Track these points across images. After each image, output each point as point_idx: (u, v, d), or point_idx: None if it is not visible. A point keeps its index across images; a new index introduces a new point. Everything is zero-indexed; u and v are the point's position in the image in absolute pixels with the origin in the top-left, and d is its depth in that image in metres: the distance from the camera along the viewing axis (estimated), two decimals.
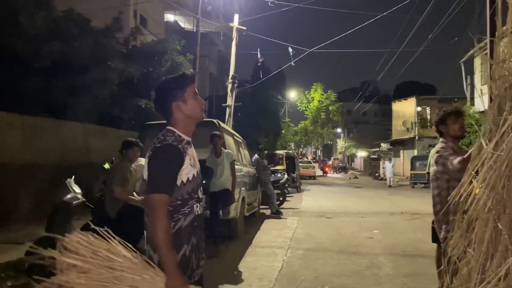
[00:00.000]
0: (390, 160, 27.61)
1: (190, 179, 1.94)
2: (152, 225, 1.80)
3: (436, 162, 3.34)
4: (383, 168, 26.02)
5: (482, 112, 18.12)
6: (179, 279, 1.77)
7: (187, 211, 1.92)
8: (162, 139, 1.91)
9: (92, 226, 2.20)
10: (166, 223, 1.79)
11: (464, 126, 3.52)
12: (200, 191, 2.04)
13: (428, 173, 4.64)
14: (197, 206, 1.98)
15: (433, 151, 3.56)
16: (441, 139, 3.53)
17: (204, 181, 5.74)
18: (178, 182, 1.89)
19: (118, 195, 4.82)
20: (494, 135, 2.17)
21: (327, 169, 45.13)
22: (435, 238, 4.18)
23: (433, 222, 4.27)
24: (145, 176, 1.91)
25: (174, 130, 1.96)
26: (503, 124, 2.07)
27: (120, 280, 1.78)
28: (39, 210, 7.09)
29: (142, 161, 5.86)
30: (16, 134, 7.52)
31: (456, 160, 3.09)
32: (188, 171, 1.92)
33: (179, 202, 1.90)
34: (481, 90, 17.36)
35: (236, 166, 6.76)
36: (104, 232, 1.94)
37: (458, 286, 2.10)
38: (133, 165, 5.19)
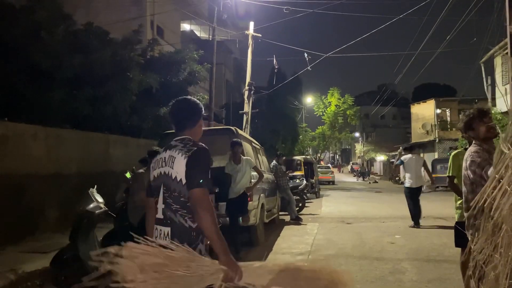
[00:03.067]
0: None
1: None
2: (202, 216, 2.05)
3: (470, 168, 3.14)
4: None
5: (505, 113, 17.74)
6: (231, 257, 2.05)
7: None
8: (193, 143, 2.24)
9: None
10: (214, 212, 2.08)
11: (493, 125, 3.25)
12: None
13: (449, 176, 4.53)
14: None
15: (466, 155, 3.34)
16: (474, 142, 3.28)
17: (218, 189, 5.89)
18: None
19: (143, 203, 4.92)
20: None
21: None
22: (458, 243, 4.12)
23: (455, 226, 4.21)
24: (181, 175, 2.15)
25: (193, 139, 2.30)
26: None
27: (189, 270, 2.00)
28: (64, 220, 7.25)
29: None
30: (40, 146, 7.71)
31: (490, 171, 2.93)
32: None
33: None
34: (505, 89, 17.02)
35: (253, 173, 6.81)
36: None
37: None
38: None
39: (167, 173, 2.22)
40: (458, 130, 3.99)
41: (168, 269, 1.98)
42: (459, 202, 4.25)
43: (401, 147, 9.93)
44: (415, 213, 9.28)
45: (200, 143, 2.25)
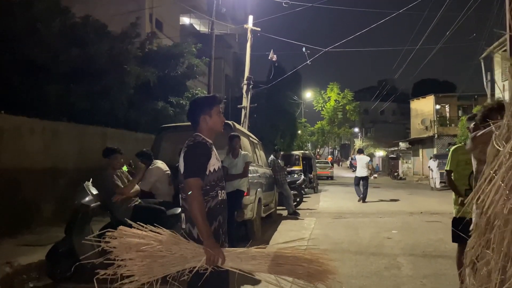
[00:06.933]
0: (435, 158, 21.60)
1: (216, 169, 2.49)
2: (190, 203, 2.33)
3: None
4: (428, 167, 22.38)
5: None
6: (214, 242, 2.31)
7: (214, 195, 2.46)
8: (193, 139, 2.48)
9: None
10: (201, 200, 2.35)
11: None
12: (224, 181, 2.58)
13: (446, 170, 4.51)
14: (221, 192, 2.52)
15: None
16: None
17: None
18: (207, 172, 2.42)
19: (127, 194, 4.96)
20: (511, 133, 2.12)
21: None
22: (455, 238, 4.11)
23: (452, 222, 4.21)
24: (181, 167, 2.43)
25: (200, 134, 2.51)
26: None
27: (171, 251, 2.30)
28: (61, 213, 7.23)
29: (159, 163, 5.92)
30: (37, 139, 7.68)
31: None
32: (214, 163, 2.47)
33: (208, 187, 2.43)
34: (503, 85, 16.97)
35: (251, 167, 6.76)
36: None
37: (477, 287, 2.07)
38: (122, 170, 5.35)
39: (178, 167, 2.50)
40: (473, 121, 3.84)
41: (151, 249, 2.27)
42: (456, 197, 4.25)
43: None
44: (364, 193, 13.83)
45: (200, 138, 2.47)
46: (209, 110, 2.54)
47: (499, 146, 2.12)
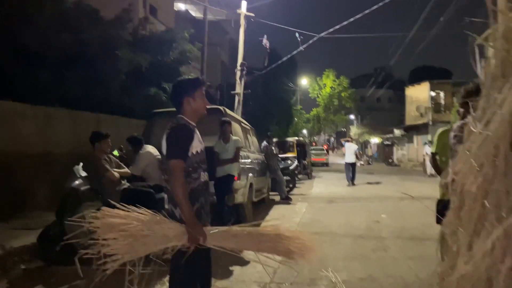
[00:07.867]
0: (430, 144, 20.82)
1: (199, 151, 2.52)
2: (173, 184, 2.38)
3: (452, 141, 3.21)
4: (423, 155, 22.41)
5: None
6: (196, 221, 2.36)
7: (196, 177, 2.50)
8: (176, 121, 2.52)
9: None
10: (183, 181, 2.38)
11: None
12: (205, 163, 2.61)
13: (432, 153, 4.60)
14: (203, 174, 2.56)
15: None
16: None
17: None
18: (189, 153, 2.45)
19: (113, 177, 5.02)
20: (484, 114, 2.18)
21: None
22: (439, 220, 4.19)
23: (436, 204, 4.28)
24: (164, 150, 2.48)
25: (183, 117, 2.54)
26: (492, 103, 2.08)
27: (153, 231, 2.35)
28: (54, 198, 7.27)
29: (149, 147, 5.96)
30: (29, 124, 7.68)
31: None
32: (196, 145, 2.50)
33: (190, 169, 2.46)
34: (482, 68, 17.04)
35: (243, 153, 6.81)
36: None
37: (447, 262, 2.15)
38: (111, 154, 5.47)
39: (161, 149, 2.55)
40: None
41: (132, 228, 2.34)
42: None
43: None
44: (352, 177, 15.09)
45: (183, 121, 2.51)
46: (193, 92, 2.56)
47: (472, 127, 2.19)
